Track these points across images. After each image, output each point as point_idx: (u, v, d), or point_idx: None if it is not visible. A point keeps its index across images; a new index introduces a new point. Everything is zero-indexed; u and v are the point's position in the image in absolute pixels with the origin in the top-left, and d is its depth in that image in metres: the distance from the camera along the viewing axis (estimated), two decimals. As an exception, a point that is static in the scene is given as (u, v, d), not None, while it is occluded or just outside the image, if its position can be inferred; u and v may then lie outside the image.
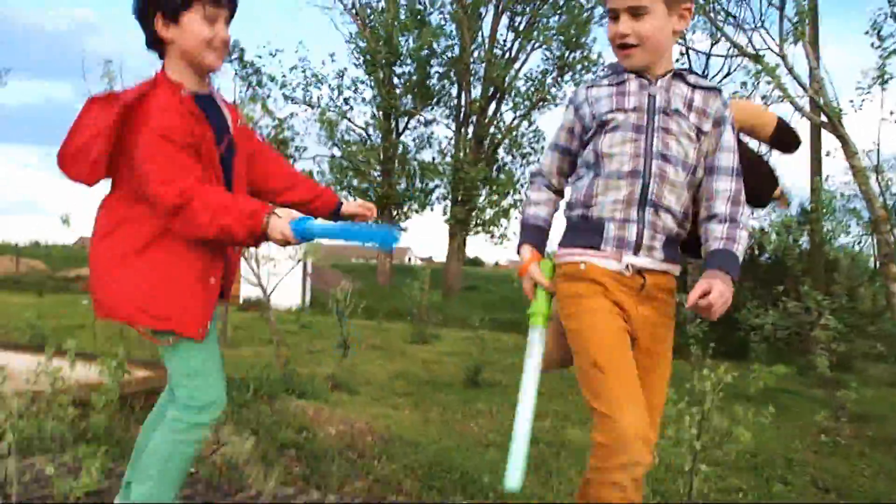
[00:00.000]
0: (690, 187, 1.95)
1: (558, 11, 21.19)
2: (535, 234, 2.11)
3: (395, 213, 23.32)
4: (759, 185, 2.11)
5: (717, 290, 1.73)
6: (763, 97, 12.68)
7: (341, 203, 2.42)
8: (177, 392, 2.05)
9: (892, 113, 5.66)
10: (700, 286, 1.75)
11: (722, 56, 12.45)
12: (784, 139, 2.21)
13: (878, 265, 8.03)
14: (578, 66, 20.73)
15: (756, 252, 13.31)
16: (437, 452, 3.60)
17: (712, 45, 13.04)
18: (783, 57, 5.29)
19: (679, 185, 1.91)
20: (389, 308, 14.35)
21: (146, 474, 2.06)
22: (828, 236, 8.52)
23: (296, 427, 3.57)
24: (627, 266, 1.89)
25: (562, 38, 20.96)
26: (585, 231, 1.95)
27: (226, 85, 21.70)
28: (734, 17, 5.53)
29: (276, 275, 6.82)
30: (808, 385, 9.02)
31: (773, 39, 5.45)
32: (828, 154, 8.38)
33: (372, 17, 22.67)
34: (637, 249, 1.89)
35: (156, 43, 2.02)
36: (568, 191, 2.10)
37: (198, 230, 1.91)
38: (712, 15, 5.55)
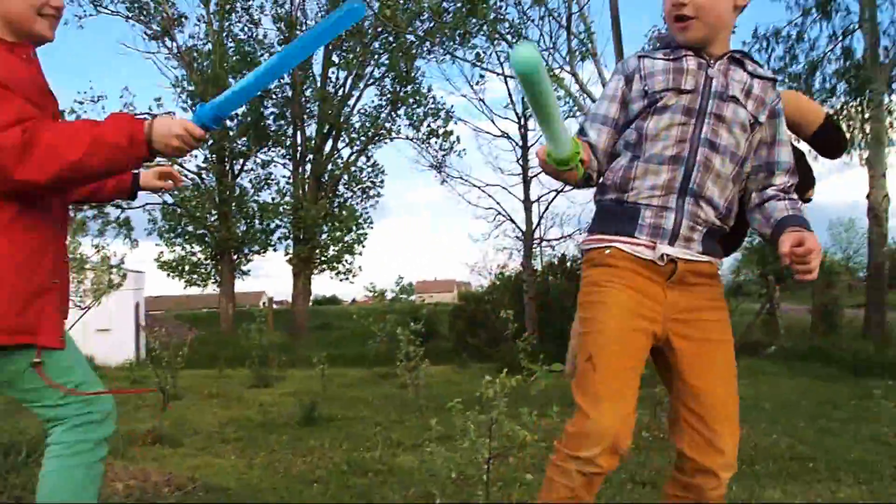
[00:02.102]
0: (737, 181, 1.82)
1: (388, 49, 21.60)
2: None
3: (235, 256, 22.65)
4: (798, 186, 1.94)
5: (811, 241, 1.60)
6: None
7: (137, 175, 2.18)
8: (64, 413, 1.78)
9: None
10: (791, 237, 1.62)
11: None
12: (828, 140, 2.00)
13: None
14: (410, 100, 21.18)
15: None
16: (250, 496, 3.49)
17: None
18: (574, 74, 5.68)
19: (724, 177, 1.78)
20: (232, 354, 13.84)
21: None
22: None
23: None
24: (662, 256, 1.76)
25: (393, 73, 21.38)
26: (619, 217, 1.81)
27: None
28: (527, 38, 5.87)
29: (108, 330, 6.40)
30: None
31: (566, 59, 5.82)
32: None
33: (199, 59, 22.09)
34: (673, 239, 1.76)
35: None
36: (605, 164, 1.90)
37: (61, 159, 1.59)
38: (508, 37, 5.87)
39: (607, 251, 1.79)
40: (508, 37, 5.80)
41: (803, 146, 2.11)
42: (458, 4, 6.03)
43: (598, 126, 1.87)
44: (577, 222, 16.45)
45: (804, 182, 1.96)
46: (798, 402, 7.56)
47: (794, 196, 1.82)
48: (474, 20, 5.79)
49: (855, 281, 20.96)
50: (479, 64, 7.07)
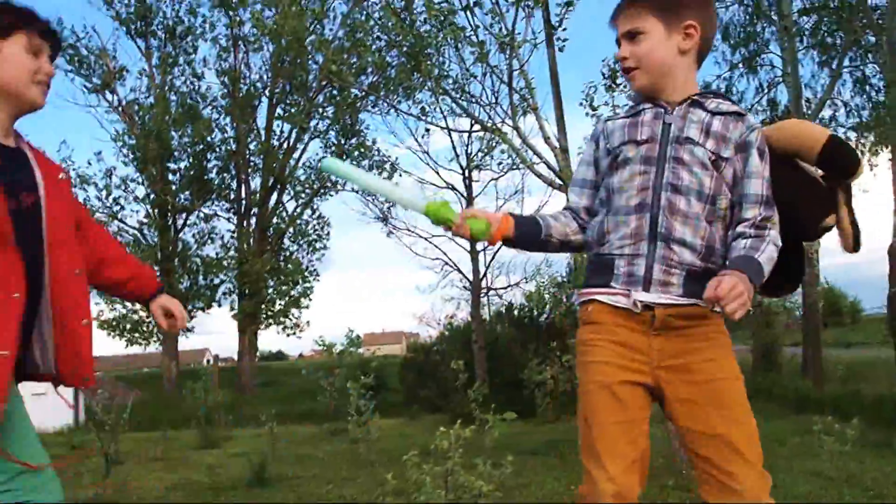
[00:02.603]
0: (715, 218, 1.83)
1: (333, 102, 21.76)
2: (522, 217, 1.99)
3: (178, 313, 22.15)
4: (808, 211, 1.93)
5: (726, 283, 1.60)
6: (499, 163, 13.73)
7: (162, 289, 2.18)
8: None
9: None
10: (712, 282, 1.64)
11: (466, 131, 13.38)
12: (834, 160, 1.89)
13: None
14: (356, 153, 21.31)
15: (535, 312, 14.24)
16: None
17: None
18: (516, 129, 5.84)
19: (693, 217, 1.80)
20: (176, 415, 13.43)
21: None
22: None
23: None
24: (635, 303, 1.78)
25: (338, 126, 21.54)
26: (597, 270, 1.88)
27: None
28: (472, 94, 6.04)
29: (44, 394, 6.15)
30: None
31: (508, 113, 5.99)
32: None
33: (140, 113, 21.90)
34: (647, 285, 1.78)
35: None
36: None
37: None
38: (452, 93, 6.02)
39: (590, 307, 1.86)
40: (452, 92, 5.95)
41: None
42: (403, 60, 6.17)
43: (577, 189, 2.00)
44: (523, 270, 16.63)
45: (820, 209, 1.92)
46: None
47: (766, 229, 1.81)
48: (418, 76, 5.94)
49: (791, 321, 21.61)
50: (423, 118, 7.20)
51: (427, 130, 14.23)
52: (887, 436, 7.65)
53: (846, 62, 14.29)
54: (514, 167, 13.46)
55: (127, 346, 22.38)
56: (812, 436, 7.27)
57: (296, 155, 22.45)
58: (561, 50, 5.49)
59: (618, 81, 5.59)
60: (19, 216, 1.77)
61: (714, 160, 1.81)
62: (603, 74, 5.75)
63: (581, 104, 5.95)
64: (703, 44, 1.92)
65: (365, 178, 2.07)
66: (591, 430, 1.77)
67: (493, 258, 15.55)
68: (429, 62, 5.67)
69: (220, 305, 22.39)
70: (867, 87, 14.46)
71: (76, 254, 1.95)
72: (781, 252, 1.85)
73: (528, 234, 1.97)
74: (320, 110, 21.89)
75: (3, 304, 1.74)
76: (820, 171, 1.94)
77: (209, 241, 22.73)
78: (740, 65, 15.64)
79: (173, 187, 22.08)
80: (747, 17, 15.37)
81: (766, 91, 15.68)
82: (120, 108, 22.09)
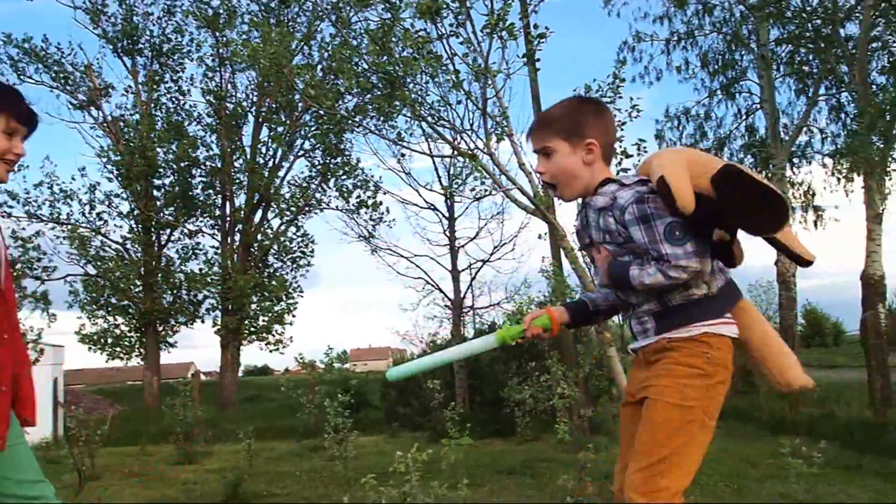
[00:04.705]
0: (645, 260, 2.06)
1: (318, 122, 21.86)
2: (570, 303, 2.44)
3: (161, 327, 22.08)
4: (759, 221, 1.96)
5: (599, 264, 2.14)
6: (472, 189, 13.85)
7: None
8: None
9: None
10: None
11: (441, 156, 13.53)
12: (728, 191, 1.88)
13: (595, 331, 8.98)
14: (340, 172, 21.41)
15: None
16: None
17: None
18: (490, 154, 5.98)
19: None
20: (156, 430, 13.40)
21: None
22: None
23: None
24: (629, 351, 2.26)
25: (323, 145, 21.62)
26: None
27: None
28: (448, 120, 6.17)
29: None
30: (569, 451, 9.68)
31: (482, 139, 6.13)
32: (540, 237, 9.43)
33: (126, 129, 21.94)
34: (634, 338, 2.20)
35: None
36: None
37: None
38: (429, 119, 6.15)
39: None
40: (429, 118, 6.09)
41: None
42: (381, 84, 6.31)
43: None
44: (504, 290, 16.73)
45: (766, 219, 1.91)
46: (718, 462, 7.82)
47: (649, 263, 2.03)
48: (396, 102, 6.08)
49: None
50: (400, 143, 7.34)
51: (403, 155, 14.42)
52: (857, 458, 7.80)
53: (822, 90, 14.60)
54: (488, 193, 13.64)
55: (108, 360, 22.27)
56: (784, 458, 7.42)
57: (281, 173, 22.54)
58: (533, 80, 5.66)
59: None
60: None
61: (617, 244, 2.11)
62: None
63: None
64: (605, 149, 2.20)
65: (435, 358, 2.36)
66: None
67: (473, 278, 15.67)
68: (406, 90, 5.82)
69: (202, 321, 22.36)
70: (842, 115, 14.77)
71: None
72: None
73: (580, 314, 2.37)
74: (305, 130, 21.99)
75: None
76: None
77: (193, 257, 22.73)
78: (719, 91, 15.95)
79: (158, 203, 22.08)
80: (726, 45, 15.69)
81: (744, 117, 15.99)
82: (105, 125, 22.11)
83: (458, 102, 6.01)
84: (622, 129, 6.00)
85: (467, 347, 2.33)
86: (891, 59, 13.37)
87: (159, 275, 21.81)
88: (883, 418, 9.29)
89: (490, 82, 5.80)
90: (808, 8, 13.39)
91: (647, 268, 2.03)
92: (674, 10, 15.18)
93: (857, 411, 11.57)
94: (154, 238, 22.34)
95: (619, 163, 6.03)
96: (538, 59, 5.87)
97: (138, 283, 21.57)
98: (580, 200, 2.26)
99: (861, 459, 7.70)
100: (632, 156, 6.04)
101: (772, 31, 13.99)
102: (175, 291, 22.24)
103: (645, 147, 6.14)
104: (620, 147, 6.01)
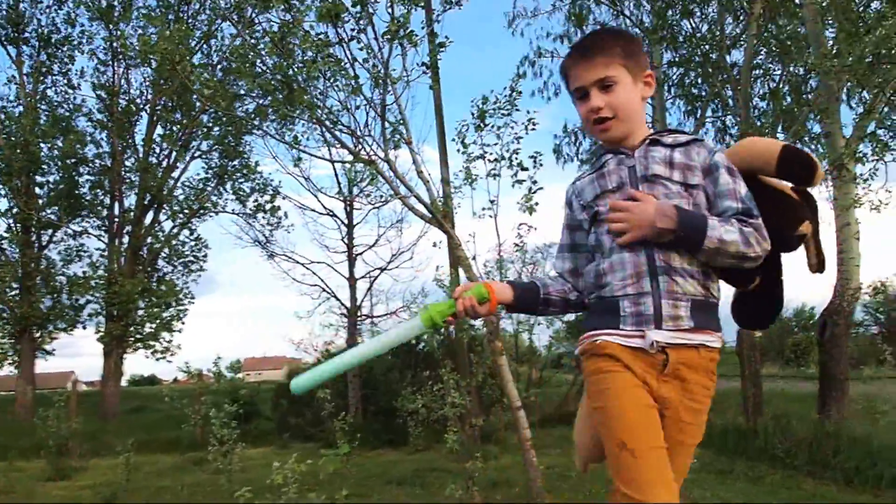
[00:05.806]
0: None
1: (218, 123, 21.20)
2: (517, 280, 2.04)
3: (38, 333, 20.76)
4: (781, 221, 1.88)
5: (637, 205, 1.76)
6: (368, 195, 13.77)
7: None
8: None
9: (483, 209, 6.46)
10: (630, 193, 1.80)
11: (339, 161, 13.42)
12: (792, 169, 1.89)
13: (487, 340, 9.06)
14: (238, 175, 20.85)
15: (413, 342, 14.33)
16: None
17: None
18: (388, 161, 5.94)
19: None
20: (28, 444, 12.55)
21: None
22: (464, 323, 9.47)
23: None
24: (652, 343, 1.75)
25: (220, 147, 21.00)
26: (602, 311, 1.84)
27: None
28: (347, 126, 6.10)
29: None
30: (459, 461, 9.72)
31: (381, 145, 6.09)
32: (435, 245, 9.43)
33: (7, 122, 20.59)
34: (659, 321, 1.75)
35: None
36: (582, 281, 2.00)
37: None
38: (328, 123, 6.06)
39: (598, 340, 1.82)
40: (327, 122, 6.00)
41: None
42: (280, 87, 6.18)
43: (560, 255, 2.06)
44: (402, 299, 16.71)
45: (790, 219, 1.90)
46: (601, 467, 8.04)
47: (738, 221, 1.81)
48: (293, 105, 5.96)
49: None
50: (297, 147, 7.20)
51: (299, 159, 14.18)
52: (730, 463, 8.24)
53: (709, 112, 15.35)
54: (385, 201, 13.64)
55: (-23, 367, 20.76)
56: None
57: (175, 174, 21.70)
58: (431, 88, 5.69)
59: (486, 122, 5.84)
60: None
61: (686, 188, 1.85)
62: (472, 114, 5.98)
63: (454, 140, 6.16)
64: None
65: (346, 358, 1.99)
66: (637, 458, 1.66)
67: (371, 286, 15.57)
68: (306, 95, 5.72)
69: (84, 327, 21.17)
70: (726, 137, 15.57)
71: None
72: (765, 284, 1.90)
73: (526, 294, 2.00)
74: (202, 130, 21.28)
75: None
76: (788, 183, 1.97)
77: (77, 259, 21.50)
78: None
79: (40, 202, 20.82)
80: (622, 65, 16.27)
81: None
82: (-16, 117, 20.71)
83: (358, 108, 5.95)
84: (518, 143, 6.09)
85: (386, 338, 1.97)
86: (770, 86, 14.26)
87: (38, 277, 20.52)
88: (754, 425, 9.83)
89: (390, 89, 5.78)
90: (699, 34, 14.08)
91: (727, 224, 1.78)
92: (573, 28, 15.63)
93: (732, 419, 12.17)
94: (34, 238, 21.02)
95: (515, 174, 6.12)
96: (437, 69, 5.90)
97: (14, 285, 20.23)
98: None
99: (733, 464, 8.12)
100: (527, 168, 6.13)
101: (665, 54, 14.62)
102: (55, 295, 20.99)
103: (541, 162, 6.25)
104: (517, 159, 6.11)
